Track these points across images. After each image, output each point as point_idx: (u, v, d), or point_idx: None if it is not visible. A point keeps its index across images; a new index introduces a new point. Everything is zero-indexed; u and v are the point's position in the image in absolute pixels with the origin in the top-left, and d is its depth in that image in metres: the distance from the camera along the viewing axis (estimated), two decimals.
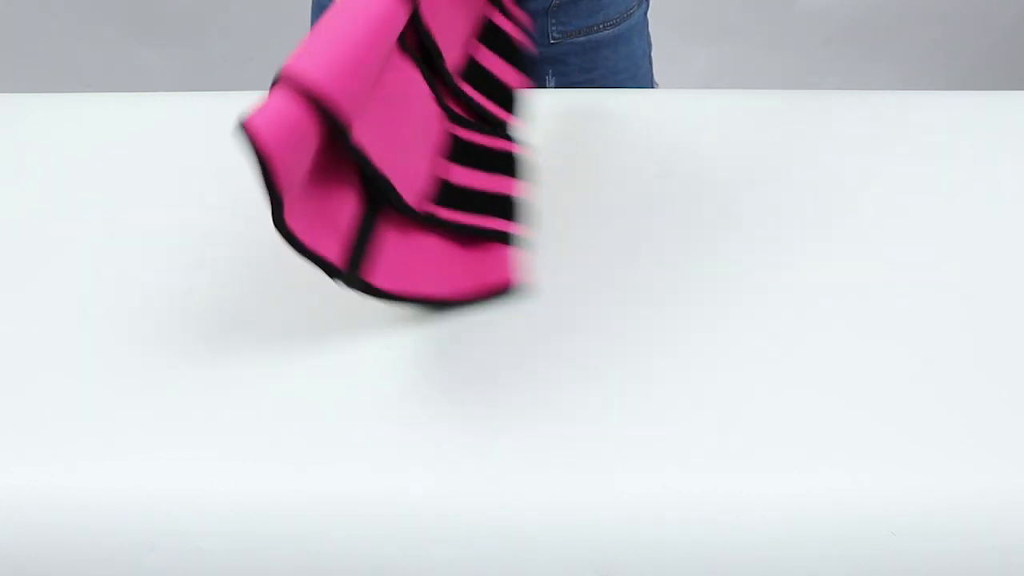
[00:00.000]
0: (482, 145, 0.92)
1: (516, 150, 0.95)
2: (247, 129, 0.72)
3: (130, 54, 2.51)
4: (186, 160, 1.12)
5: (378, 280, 0.80)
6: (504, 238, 0.90)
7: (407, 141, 0.83)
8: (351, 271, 0.79)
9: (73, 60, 2.49)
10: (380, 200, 0.81)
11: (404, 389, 0.85)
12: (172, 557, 0.77)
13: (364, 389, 0.85)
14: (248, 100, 1.21)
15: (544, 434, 0.81)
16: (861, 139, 1.17)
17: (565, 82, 1.30)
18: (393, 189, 0.80)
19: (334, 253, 0.78)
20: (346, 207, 0.80)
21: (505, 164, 0.93)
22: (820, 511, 0.78)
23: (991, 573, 0.77)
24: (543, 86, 1.31)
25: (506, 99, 0.97)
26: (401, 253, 0.83)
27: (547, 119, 1.14)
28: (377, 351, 0.88)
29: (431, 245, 0.86)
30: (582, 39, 1.26)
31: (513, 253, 0.91)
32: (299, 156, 0.73)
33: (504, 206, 0.91)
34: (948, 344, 0.90)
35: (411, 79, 0.84)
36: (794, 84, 2.44)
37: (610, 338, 0.90)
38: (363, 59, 0.75)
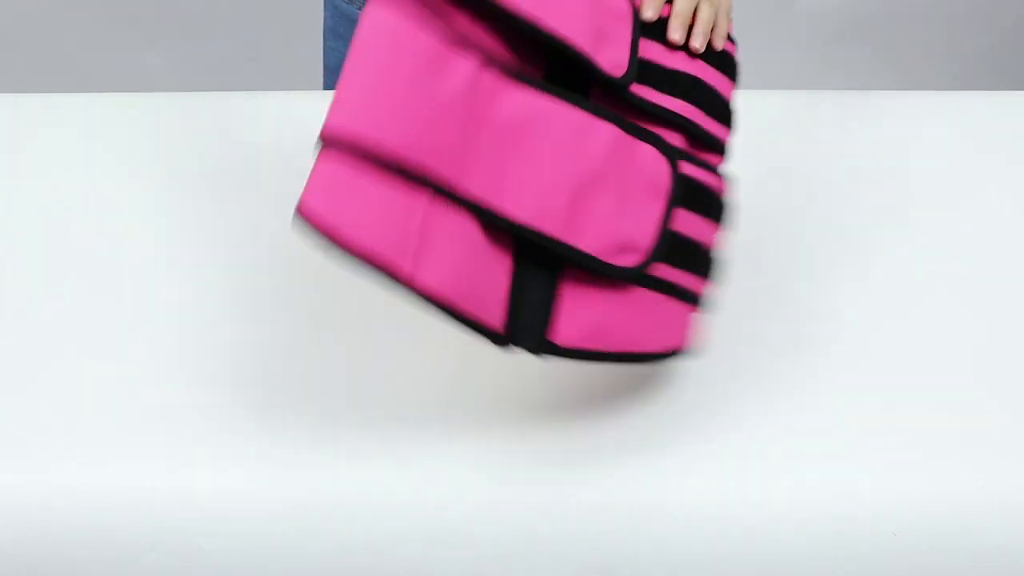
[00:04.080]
0: (706, 185, 0.76)
1: (726, 190, 0.79)
2: (305, 215, 0.62)
3: (130, 54, 2.50)
4: (186, 160, 1.12)
5: (561, 339, 0.69)
6: (700, 300, 0.76)
7: (562, 184, 0.67)
8: (525, 334, 0.68)
9: (73, 60, 2.49)
10: (544, 258, 0.68)
11: (406, 391, 0.85)
12: (172, 557, 0.77)
13: (365, 390, 0.85)
14: (248, 100, 1.21)
15: (544, 434, 0.81)
16: (861, 139, 1.17)
17: None
18: (566, 246, 0.66)
19: (496, 318, 0.67)
20: (499, 268, 0.68)
21: (720, 209, 0.77)
22: (820, 511, 0.78)
23: (991, 573, 0.77)
24: None
25: (719, 111, 0.81)
26: (582, 310, 0.70)
27: None
28: (377, 352, 0.88)
29: (620, 299, 0.71)
30: None
31: (698, 315, 0.77)
32: (377, 219, 0.62)
33: (712, 263, 0.77)
34: (949, 345, 0.90)
35: (540, 108, 0.68)
36: (794, 84, 2.43)
37: None
38: (409, 98, 0.63)
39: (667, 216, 0.70)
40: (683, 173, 0.72)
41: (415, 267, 0.62)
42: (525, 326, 0.68)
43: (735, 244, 1.01)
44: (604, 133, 0.68)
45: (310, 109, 1.14)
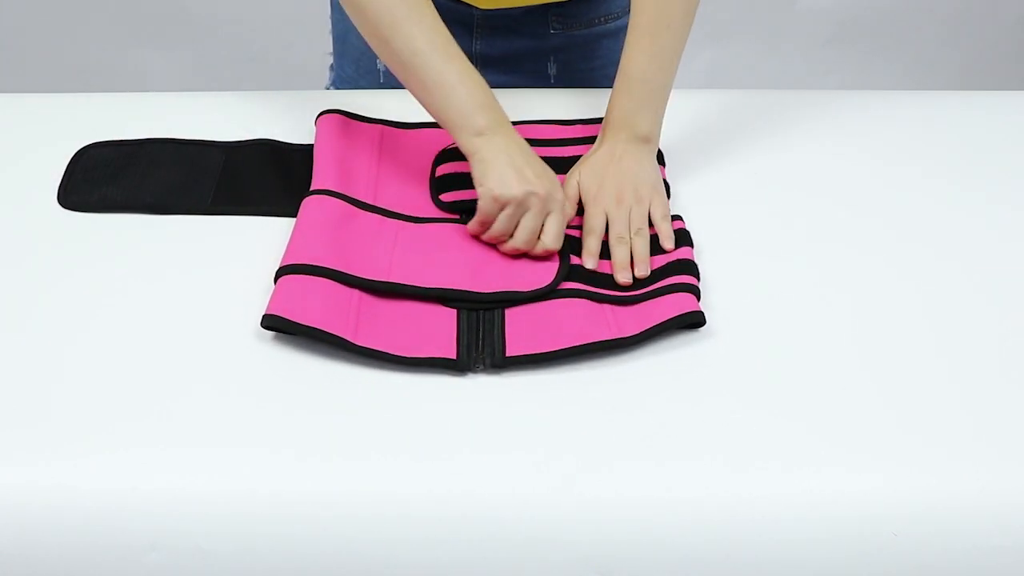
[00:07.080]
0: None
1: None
2: (269, 313, 0.88)
3: (130, 54, 2.50)
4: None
5: (513, 352, 0.88)
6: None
7: (460, 262, 0.96)
8: (483, 356, 0.87)
9: (73, 60, 2.49)
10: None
11: (405, 390, 0.85)
12: (172, 557, 0.77)
13: (365, 390, 0.85)
14: (248, 100, 1.21)
15: (545, 434, 0.81)
16: (861, 139, 1.17)
17: (565, 71, 1.30)
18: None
19: (449, 351, 0.87)
20: (444, 315, 0.91)
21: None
22: (821, 511, 0.78)
23: (992, 573, 0.77)
24: (545, 73, 1.31)
25: None
26: (535, 320, 0.91)
27: (550, 117, 1.15)
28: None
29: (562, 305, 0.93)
30: (583, 31, 1.26)
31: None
32: (321, 306, 0.89)
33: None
34: (950, 344, 0.90)
35: (440, 228, 1.00)
36: (794, 84, 2.44)
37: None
38: (332, 236, 0.95)
39: (562, 258, 0.96)
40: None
41: (355, 335, 0.87)
42: (483, 349, 0.87)
43: (735, 243, 1.01)
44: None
45: (310, 109, 1.14)
